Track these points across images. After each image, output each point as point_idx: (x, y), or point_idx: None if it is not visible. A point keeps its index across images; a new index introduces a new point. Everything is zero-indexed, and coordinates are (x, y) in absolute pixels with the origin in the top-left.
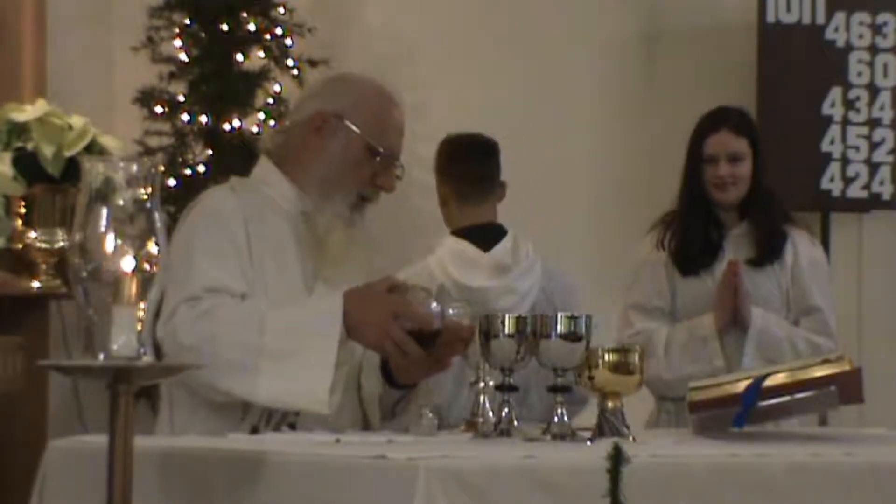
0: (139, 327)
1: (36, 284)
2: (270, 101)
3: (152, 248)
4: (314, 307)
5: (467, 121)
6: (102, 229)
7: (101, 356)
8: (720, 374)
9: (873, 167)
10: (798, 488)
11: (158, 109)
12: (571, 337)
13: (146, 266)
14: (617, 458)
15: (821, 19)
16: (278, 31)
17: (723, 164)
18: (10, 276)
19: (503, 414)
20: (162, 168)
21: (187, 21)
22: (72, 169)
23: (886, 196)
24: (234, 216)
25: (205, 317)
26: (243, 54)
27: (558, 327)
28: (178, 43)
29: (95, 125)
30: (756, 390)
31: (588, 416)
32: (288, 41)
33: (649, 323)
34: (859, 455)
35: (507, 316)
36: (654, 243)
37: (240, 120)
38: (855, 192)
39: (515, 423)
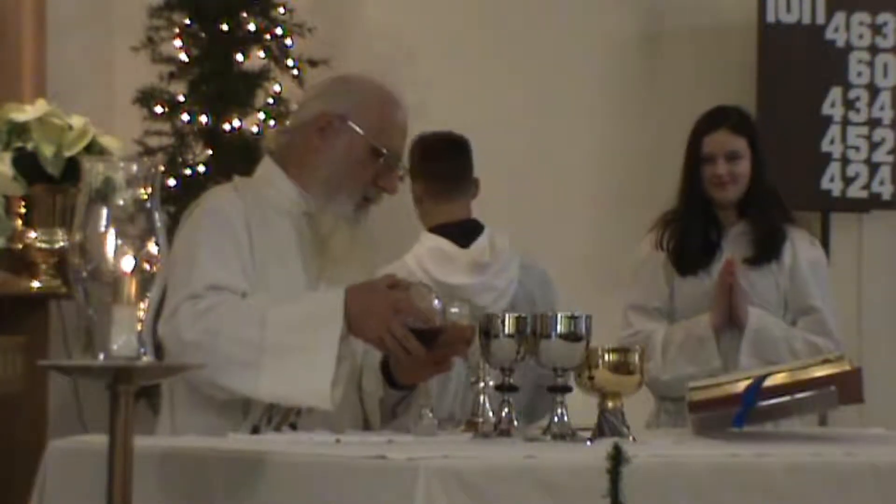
0: (139, 327)
1: (36, 284)
2: (270, 101)
3: (152, 248)
4: (315, 301)
5: (467, 121)
6: (102, 229)
7: (101, 356)
8: (717, 375)
9: (873, 167)
10: (798, 488)
11: (158, 109)
12: (571, 337)
13: (146, 266)
14: (617, 458)
15: (821, 19)
16: (278, 31)
17: (721, 163)
18: (10, 276)
19: (503, 414)
20: (162, 168)
21: (187, 21)
22: (72, 169)
23: (886, 196)
24: (237, 216)
25: (206, 313)
26: (243, 54)
27: (558, 327)
28: (178, 43)
29: (95, 125)
30: (756, 390)
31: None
32: (288, 41)
33: (648, 324)
34: (859, 455)
35: (507, 316)
36: (653, 243)
37: (240, 120)
38: (855, 192)
39: (515, 423)
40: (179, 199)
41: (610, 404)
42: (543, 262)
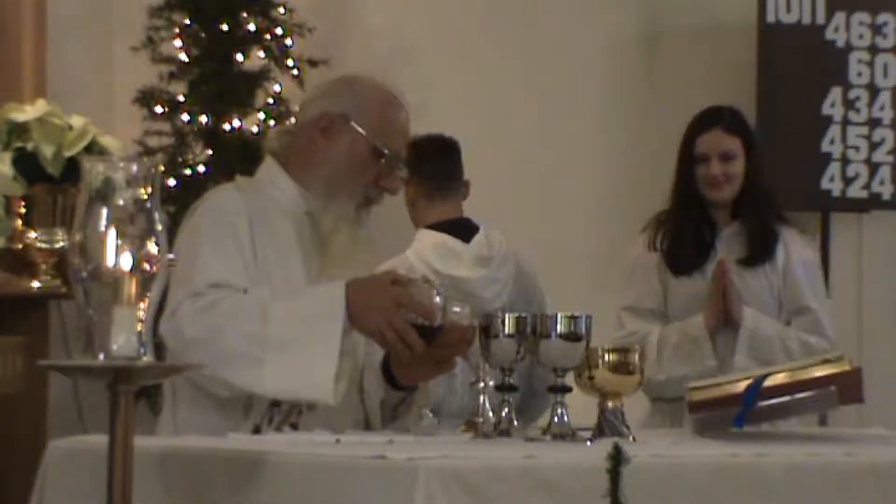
0: (139, 327)
1: (36, 284)
2: (270, 101)
3: (152, 248)
4: (316, 295)
5: (467, 121)
6: (102, 229)
7: (101, 356)
8: (713, 375)
9: (873, 167)
10: (797, 488)
11: (158, 109)
12: (571, 337)
13: (146, 266)
14: (617, 458)
15: (821, 19)
16: (278, 31)
17: (715, 163)
18: (10, 276)
19: (503, 414)
20: (162, 168)
21: (187, 21)
22: (72, 169)
23: (886, 196)
24: (238, 215)
25: (208, 309)
26: (243, 54)
27: (558, 327)
28: (178, 43)
29: (95, 125)
30: (756, 390)
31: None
32: (288, 41)
33: (642, 324)
34: (859, 455)
35: (507, 315)
36: (646, 244)
37: (240, 120)
38: (855, 192)
39: (515, 422)
40: (179, 199)
41: (610, 404)
42: (543, 261)
